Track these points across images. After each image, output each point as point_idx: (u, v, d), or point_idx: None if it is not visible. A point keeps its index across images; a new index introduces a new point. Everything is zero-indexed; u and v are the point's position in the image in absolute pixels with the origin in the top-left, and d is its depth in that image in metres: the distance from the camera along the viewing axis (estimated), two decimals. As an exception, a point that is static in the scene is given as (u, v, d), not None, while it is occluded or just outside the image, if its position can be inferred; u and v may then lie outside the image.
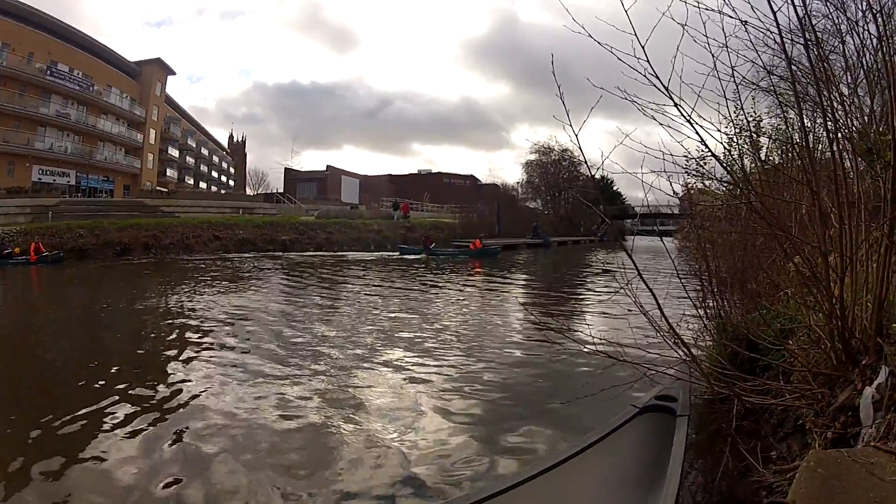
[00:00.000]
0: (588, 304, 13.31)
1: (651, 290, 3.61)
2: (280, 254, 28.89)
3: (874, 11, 2.59)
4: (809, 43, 2.93)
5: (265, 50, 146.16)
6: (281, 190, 58.50)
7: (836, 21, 3.32)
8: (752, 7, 3.22)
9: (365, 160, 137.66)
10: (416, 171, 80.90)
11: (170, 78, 57.02)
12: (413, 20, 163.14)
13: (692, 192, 6.49)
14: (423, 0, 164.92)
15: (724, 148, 4.24)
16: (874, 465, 2.07)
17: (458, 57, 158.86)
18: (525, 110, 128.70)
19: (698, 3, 3.27)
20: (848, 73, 3.50)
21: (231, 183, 77.03)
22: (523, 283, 18.89)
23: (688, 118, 3.24)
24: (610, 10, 3.25)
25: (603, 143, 4.11)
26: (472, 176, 75.14)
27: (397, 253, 30.38)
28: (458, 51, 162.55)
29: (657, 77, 3.12)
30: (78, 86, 44.97)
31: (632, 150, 3.62)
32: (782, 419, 3.64)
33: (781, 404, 3.51)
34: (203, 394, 5.89)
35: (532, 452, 4.53)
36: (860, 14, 3.11)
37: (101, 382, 6.31)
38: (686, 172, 5.18)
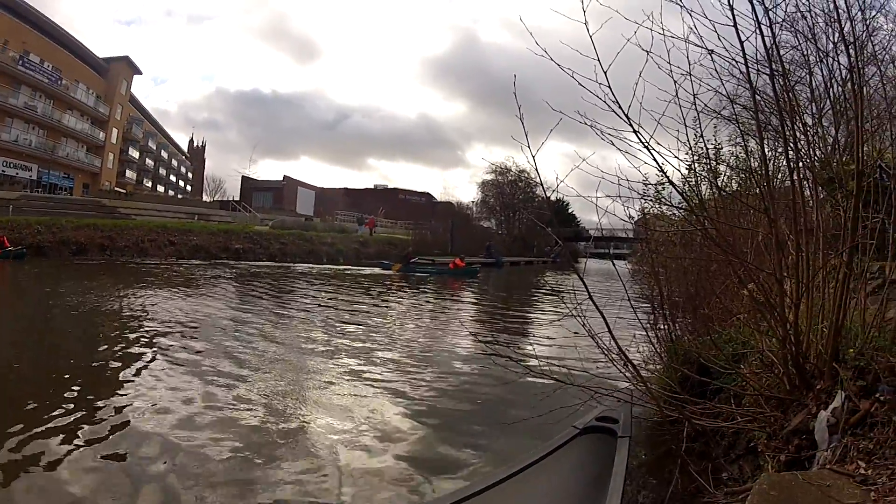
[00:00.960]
0: (537, 326, 13.27)
1: (601, 313, 3.57)
2: (233, 262, 28.38)
3: (847, 42, 2.66)
4: (776, 73, 2.99)
5: (229, 56, 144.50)
6: (237, 198, 57.45)
7: (805, 52, 3.41)
8: (718, 37, 3.27)
9: (322, 172, 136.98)
10: (372, 186, 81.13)
11: (135, 78, 55.71)
12: (375, 35, 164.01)
13: (648, 217, 6.58)
14: (385, 15, 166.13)
15: (682, 175, 4.29)
16: (831, 488, 2.07)
17: (417, 74, 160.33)
18: (481, 130, 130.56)
19: (664, 31, 3.31)
20: (813, 104, 3.60)
21: (188, 188, 75.60)
22: (474, 302, 18.87)
23: (646, 144, 3.24)
24: (573, 33, 3.27)
25: (559, 165, 4.12)
26: (427, 193, 75.58)
27: (378, 268, 29.80)
28: (417, 67, 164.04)
29: (617, 103, 3.12)
30: (47, 78, 43.18)
31: (588, 173, 3.61)
32: (733, 441, 3.67)
33: (733, 427, 3.53)
34: (149, 400, 5.72)
35: (473, 474, 4.43)
36: (830, 45, 3.21)
37: (53, 382, 6.15)
38: (642, 198, 5.25)
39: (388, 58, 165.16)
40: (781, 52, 3.07)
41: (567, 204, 53.34)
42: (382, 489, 4.13)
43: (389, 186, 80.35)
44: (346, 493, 4.04)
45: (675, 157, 3.73)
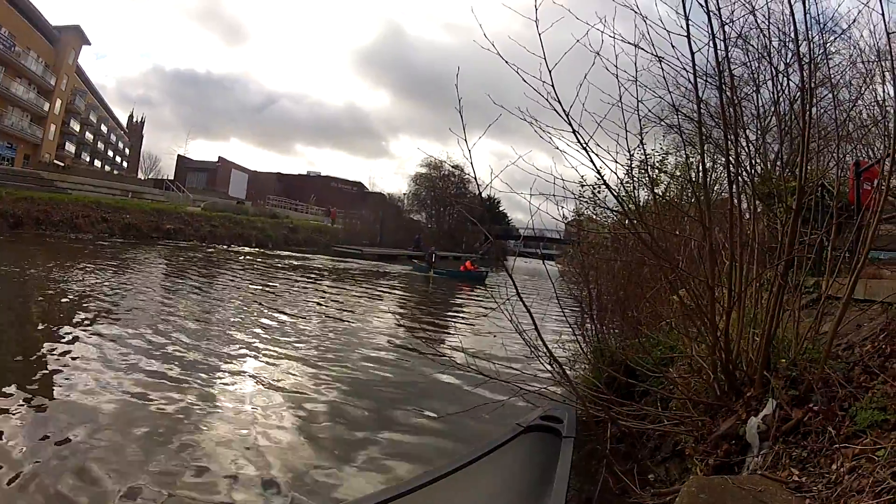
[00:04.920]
0: (464, 321, 13.28)
1: (528, 311, 3.54)
2: (165, 243, 27.64)
3: (803, 62, 2.72)
4: (724, 86, 3.04)
5: (166, 34, 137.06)
6: (171, 177, 55.55)
7: (755, 69, 3.48)
8: (672, 45, 3.29)
9: (251, 155, 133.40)
10: (305, 173, 79.35)
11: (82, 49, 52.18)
12: (301, 21, 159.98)
13: (581, 218, 6.66)
14: (313, 1, 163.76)
15: (619, 178, 4.31)
16: (763, 493, 2.10)
17: (345, 63, 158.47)
18: (407, 122, 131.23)
19: (614, 35, 3.31)
20: (758, 120, 3.69)
21: (125, 164, 71.74)
22: (401, 294, 18.76)
23: (584, 145, 3.20)
24: (505, 30, 3.24)
25: (487, 162, 4.09)
26: (359, 183, 74.70)
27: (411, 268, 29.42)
28: (345, 56, 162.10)
29: (559, 102, 3.08)
30: (2, 45, 39.81)
31: (523, 170, 3.56)
32: (659, 444, 3.74)
33: (659, 429, 3.60)
34: (67, 380, 5.49)
35: (396, 466, 4.36)
36: (782, 65, 3.27)
37: None
38: (577, 199, 5.28)
39: (315, 45, 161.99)
40: (732, 66, 3.12)
41: (498, 201, 54.13)
42: (298, 480, 3.98)
43: (322, 174, 79.03)
44: (262, 481, 3.89)
45: (614, 160, 3.74)
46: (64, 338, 6.90)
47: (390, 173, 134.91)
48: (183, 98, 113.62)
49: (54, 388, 5.15)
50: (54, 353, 6.23)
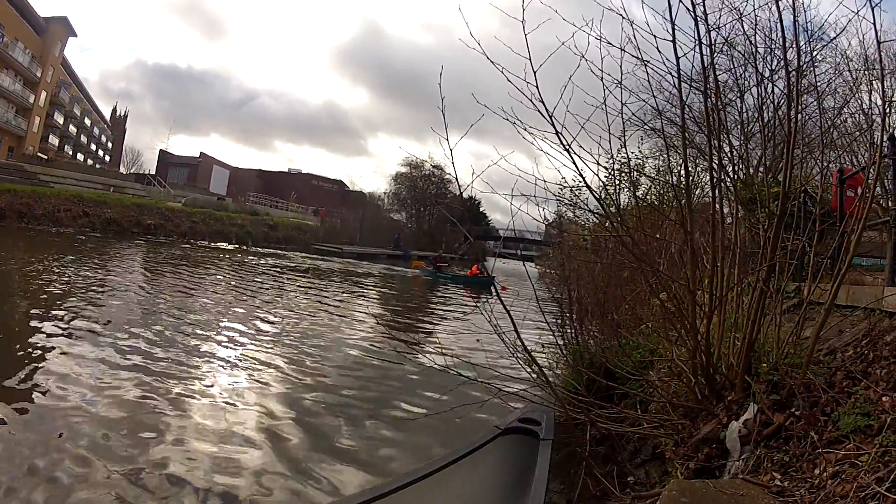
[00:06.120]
0: (443, 322, 13.17)
1: (508, 312, 3.51)
2: (146, 238, 27.51)
3: (789, 69, 2.72)
4: (709, 91, 3.04)
5: (148, 27, 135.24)
6: (153, 172, 54.87)
7: (740, 75, 3.49)
8: (658, 49, 3.29)
9: (230, 151, 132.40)
10: (286, 170, 78.69)
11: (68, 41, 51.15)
12: (281, 17, 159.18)
13: (563, 220, 6.65)
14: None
15: (601, 181, 4.30)
16: (745, 497, 2.09)
17: (325, 61, 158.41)
18: (385, 121, 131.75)
19: (600, 38, 3.30)
20: (742, 126, 3.71)
21: (107, 158, 70.50)
22: (383, 294, 18.66)
23: (567, 146, 3.20)
24: (483, 30, 3.22)
25: (465, 162, 4.05)
26: (340, 181, 74.33)
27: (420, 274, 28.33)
28: (325, 55, 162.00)
29: (543, 104, 3.05)
30: None
31: (505, 171, 3.55)
32: (639, 447, 3.73)
33: (639, 432, 3.59)
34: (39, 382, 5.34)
35: (369, 471, 4.27)
36: (768, 71, 3.29)
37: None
38: (557, 200, 5.26)
39: (294, 42, 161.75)
40: (717, 72, 3.12)
41: (479, 202, 54.25)
42: (278, 482, 3.90)
43: (303, 171, 78.39)
44: (240, 484, 3.80)
45: (597, 162, 3.73)
46: (35, 339, 6.72)
47: (369, 172, 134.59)
48: (164, 92, 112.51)
49: (26, 390, 5.00)
50: (24, 354, 6.07)
